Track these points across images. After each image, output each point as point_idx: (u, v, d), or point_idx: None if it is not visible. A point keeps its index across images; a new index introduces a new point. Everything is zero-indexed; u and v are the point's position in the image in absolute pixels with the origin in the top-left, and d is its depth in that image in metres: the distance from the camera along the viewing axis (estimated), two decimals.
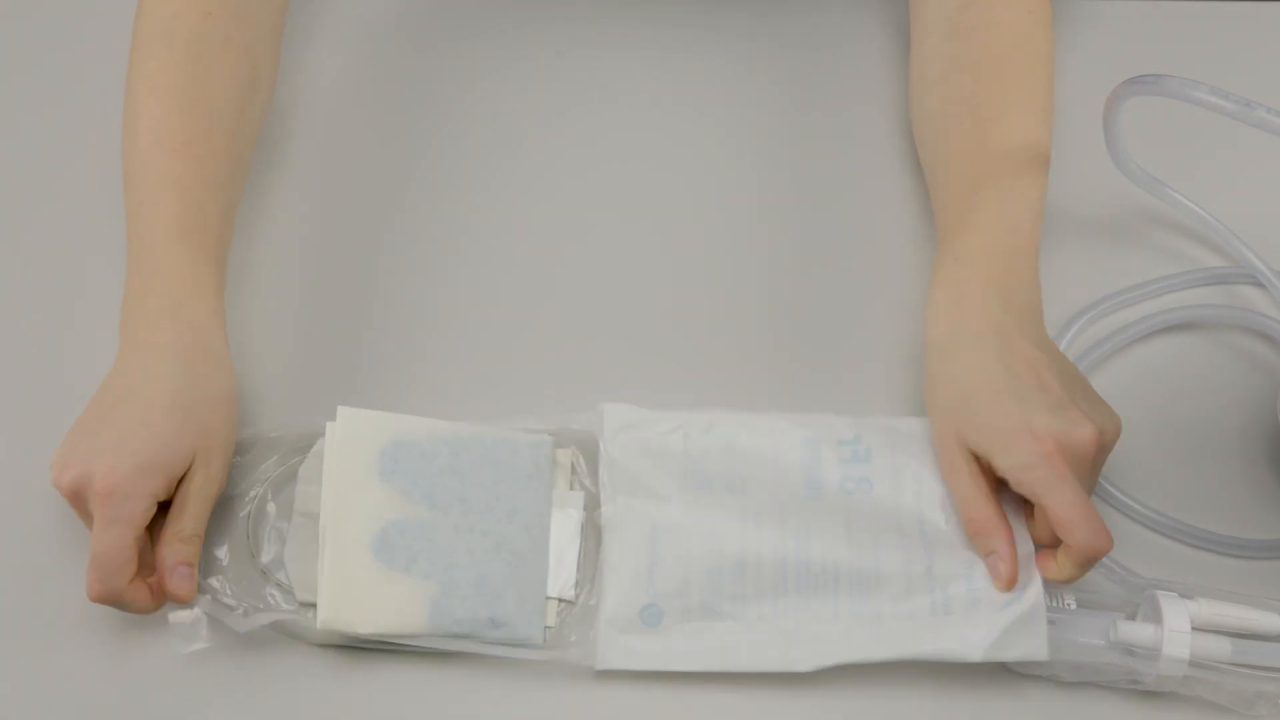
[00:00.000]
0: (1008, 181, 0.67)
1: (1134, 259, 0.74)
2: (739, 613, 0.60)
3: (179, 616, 0.58)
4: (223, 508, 0.62)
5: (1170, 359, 0.71)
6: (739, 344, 0.71)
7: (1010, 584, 0.59)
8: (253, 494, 0.63)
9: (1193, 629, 0.57)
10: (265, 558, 0.62)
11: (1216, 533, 0.64)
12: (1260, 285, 0.72)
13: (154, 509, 0.58)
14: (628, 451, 0.63)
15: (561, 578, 0.62)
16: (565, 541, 0.62)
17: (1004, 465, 0.58)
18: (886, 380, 0.69)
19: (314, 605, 0.59)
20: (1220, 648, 0.57)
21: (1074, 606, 0.59)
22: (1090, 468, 0.59)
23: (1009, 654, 0.58)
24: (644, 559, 0.61)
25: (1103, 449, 0.59)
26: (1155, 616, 0.58)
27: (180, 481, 0.59)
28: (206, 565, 0.61)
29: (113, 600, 0.58)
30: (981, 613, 0.58)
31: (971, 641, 0.58)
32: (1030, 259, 0.65)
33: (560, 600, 0.61)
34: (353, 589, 0.58)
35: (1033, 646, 0.57)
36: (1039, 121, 0.69)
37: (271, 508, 0.63)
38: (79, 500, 0.58)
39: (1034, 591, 0.58)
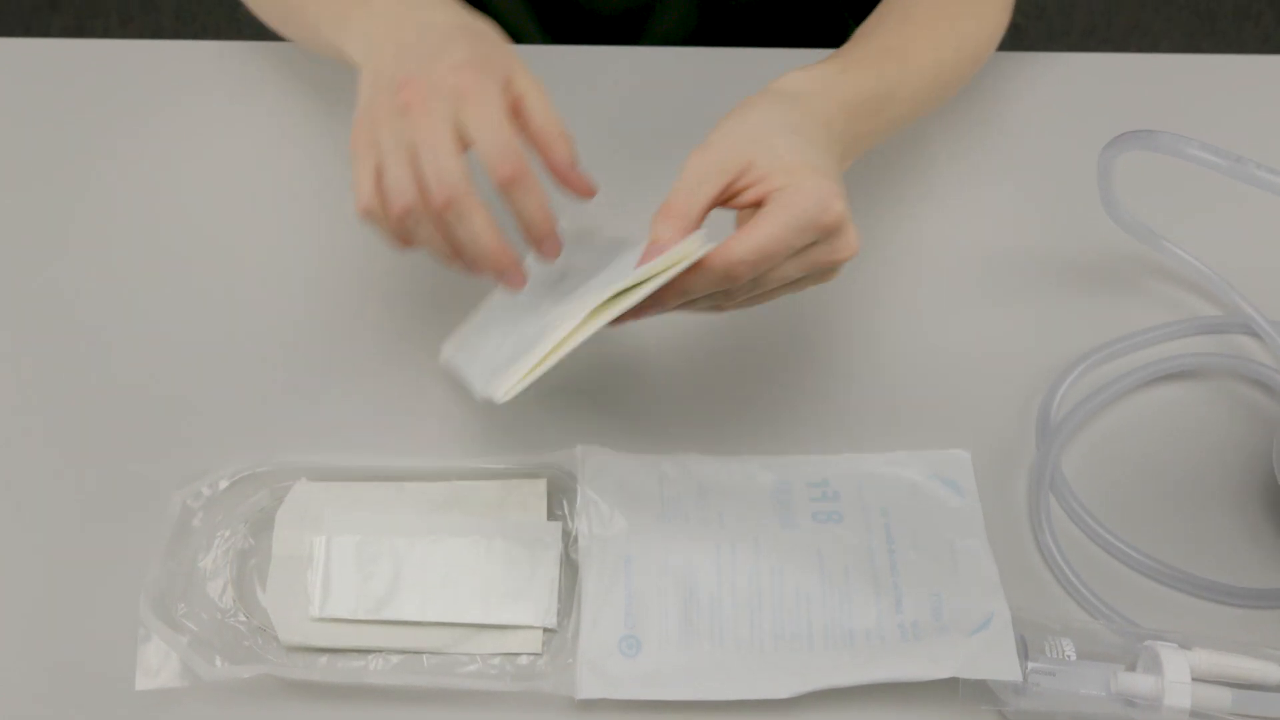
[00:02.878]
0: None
1: (1130, 308, 0.75)
2: (717, 641, 0.61)
3: (147, 652, 0.59)
4: (200, 550, 0.63)
5: (1167, 407, 0.71)
6: (711, 387, 0.71)
7: (659, 242, 0.56)
8: (231, 535, 0.64)
9: (1193, 679, 0.57)
10: (245, 600, 0.62)
11: (1214, 581, 0.65)
12: (1255, 334, 0.73)
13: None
14: (605, 489, 0.65)
15: (543, 606, 0.62)
16: (545, 571, 0.63)
17: (777, 180, 0.56)
18: (855, 415, 0.70)
19: (299, 649, 0.61)
20: (1220, 698, 0.57)
21: (1074, 657, 0.59)
22: (804, 235, 0.56)
23: (980, 674, 0.59)
24: (621, 589, 0.62)
25: (829, 248, 0.57)
26: (1155, 667, 0.58)
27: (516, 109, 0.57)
28: (193, 603, 0.62)
29: (523, 176, 0.55)
30: (951, 637, 0.60)
31: (943, 662, 0.59)
32: (859, 117, 0.64)
33: (544, 630, 0.62)
34: None
35: (1003, 668, 0.58)
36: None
37: (251, 546, 0.64)
38: (429, 103, 0.55)
39: (1002, 616, 0.60)
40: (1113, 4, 1.94)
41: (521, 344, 0.60)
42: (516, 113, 0.58)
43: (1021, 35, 1.91)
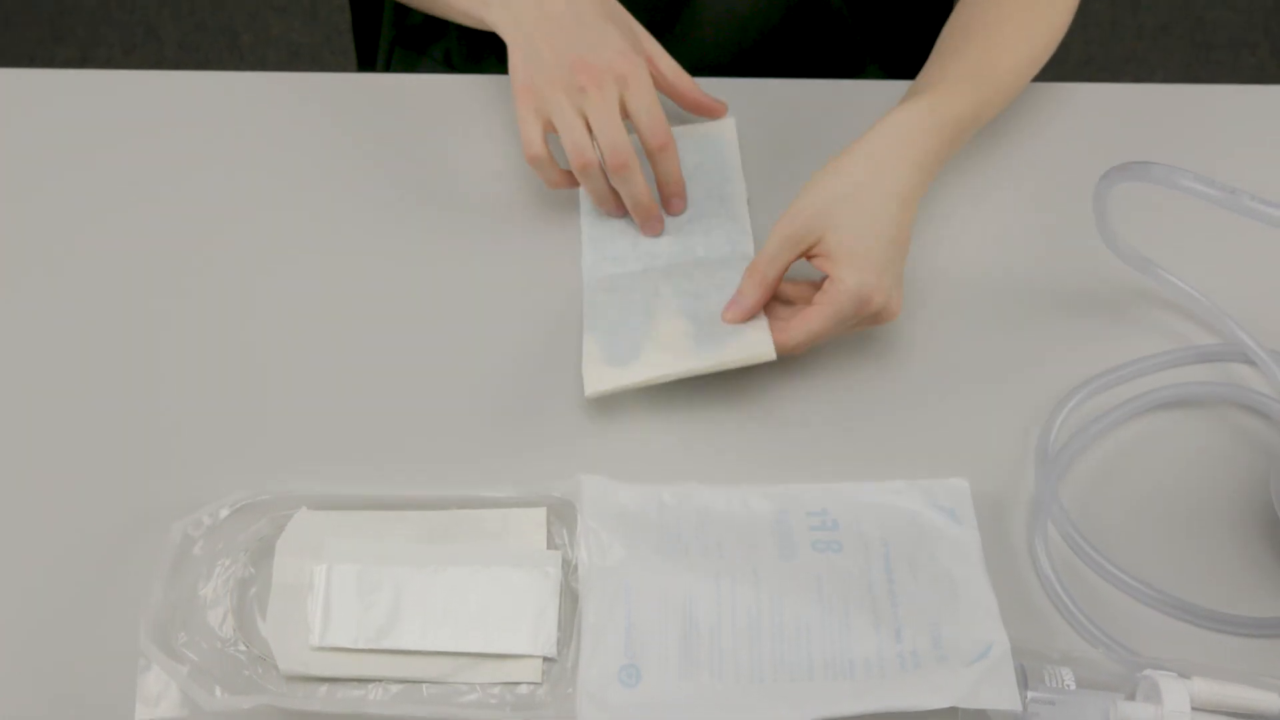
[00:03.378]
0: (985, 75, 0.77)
1: (1127, 337, 0.75)
2: (716, 671, 0.61)
3: (147, 682, 0.60)
4: (200, 578, 0.64)
5: (1165, 436, 0.72)
6: (710, 416, 0.72)
7: (737, 314, 0.71)
8: (232, 564, 0.64)
9: (1192, 709, 0.57)
10: (246, 629, 0.62)
11: (1213, 609, 0.65)
12: (1252, 362, 0.73)
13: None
14: (604, 518, 0.65)
15: (543, 635, 0.62)
16: (544, 600, 0.63)
17: (831, 266, 0.69)
18: (854, 445, 0.70)
19: (299, 678, 0.61)
20: None
21: (1073, 687, 0.59)
22: (847, 322, 0.70)
23: (980, 703, 0.59)
24: (621, 619, 0.62)
25: (871, 320, 0.71)
26: (1155, 697, 0.58)
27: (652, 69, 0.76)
28: (193, 632, 0.62)
29: (668, 145, 0.74)
30: (950, 666, 0.60)
31: (943, 691, 0.59)
32: (957, 143, 0.75)
33: (543, 659, 0.62)
34: None
35: (1003, 697, 0.58)
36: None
37: (252, 575, 0.64)
38: (602, 81, 0.72)
39: (1001, 646, 0.60)
40: (1109, 33, 1.96)
41: (628, 325, 0.72)
42: (650, 66, 0.76)
43: None
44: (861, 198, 0.70)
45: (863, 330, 0.73)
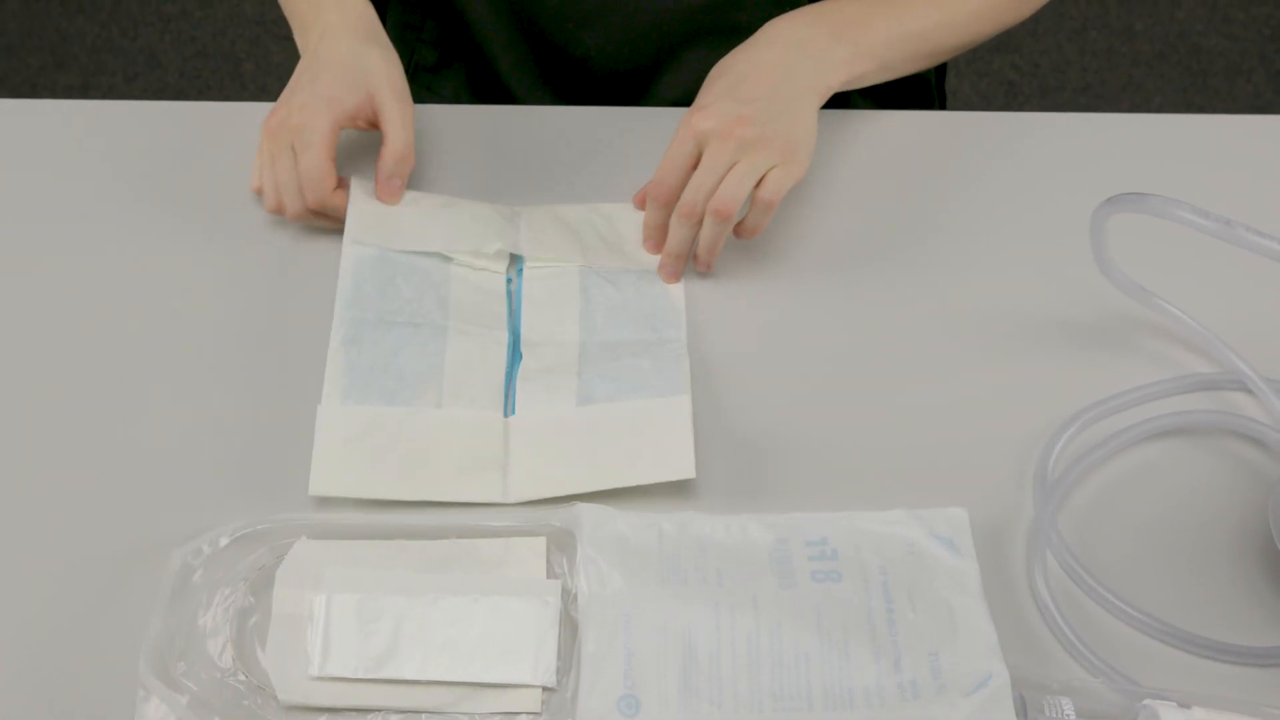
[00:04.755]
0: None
1: (1125, 365, 0.75)
2: (715, 701, 0.61)
3: (146, 712, 0.59)
4: (200, 607, 0.63)
5: (1162, 464, 0.72)
6: (708, 445, 0.71)
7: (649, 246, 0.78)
8: (232, 593, 0.64)
9: None
10: (245, 658, 0.62)
11: (1213, 638, 0.65)
12: (1250, 391, 0.74)
13: (337, 133, 0.76)
14: (604, 547, 0.65)
15: (543, 665, 0.62)
16: (544, 630, 0.63)
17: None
18: (853, 474, 0.71)
19: (298, 708, 0.60)
20: None
21: (1073, 716, 0.59)
22: (691, 157, 0.74)
23: None
24: (620, 649, 0.62)
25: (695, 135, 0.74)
26: None
27: (378, 121, 0.78)
28: (192, 661, 0.62)
29: (321, 207, 0.76)
30: (949, 697, 0.60)
31: None
32: (868, 45, 0.79)
33: (543, 689, 0.62)
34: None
35: None
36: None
37: (251, 604, 0.64)
38: (279, 136, 0.76)
39: (1000, 676, 0.60)
40: (1106, 61, 1.97)
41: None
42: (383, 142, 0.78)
43: (1015, 91, 1.93)
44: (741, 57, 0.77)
45: (772, 182, 0.74)
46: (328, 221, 0.78)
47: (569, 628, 0.64)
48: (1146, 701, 0.59)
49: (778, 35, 0.78)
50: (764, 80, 0.75)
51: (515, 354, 0.74)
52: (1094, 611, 0.66)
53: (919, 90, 0.99)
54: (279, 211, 0.78)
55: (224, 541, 0.65)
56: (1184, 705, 0.59)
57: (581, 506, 0.67)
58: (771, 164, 0.74)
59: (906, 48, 0.81)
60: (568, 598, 0.65)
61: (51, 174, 0.84)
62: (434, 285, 0.75)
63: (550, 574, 0.66)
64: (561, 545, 0.66)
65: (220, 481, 0.69)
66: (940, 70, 1.01)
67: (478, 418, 0.70)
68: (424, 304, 0.74)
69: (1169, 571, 0.68)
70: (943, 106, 1.04)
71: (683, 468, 0.68)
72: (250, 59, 1.89)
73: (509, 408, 0.71)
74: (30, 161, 0.84)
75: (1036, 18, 2.02)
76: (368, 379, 0.71)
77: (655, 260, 0.78)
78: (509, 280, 0.77)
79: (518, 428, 0.70)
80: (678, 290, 0.77)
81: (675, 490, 0.69)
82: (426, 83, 0.98)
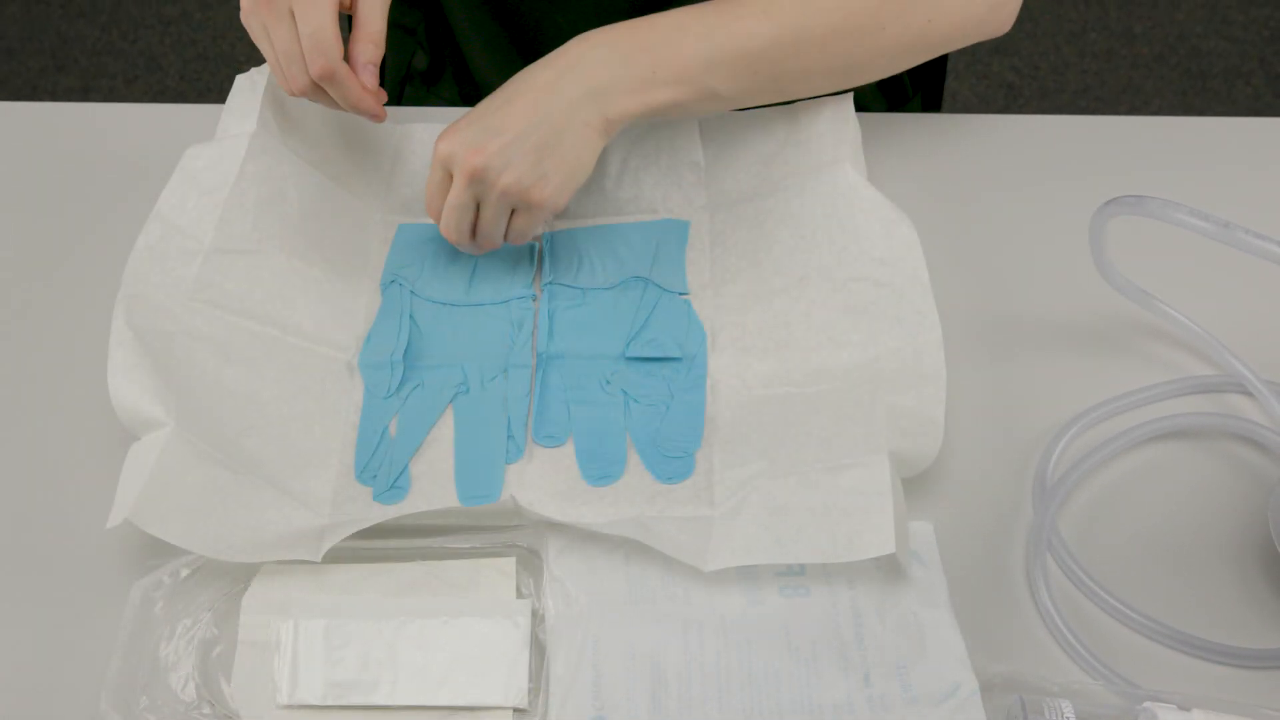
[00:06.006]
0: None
1: (1124, 368, 0.75)
2: None
3: None
4: (162, 639, 0.61)
5: (1162, 467, 0.72)
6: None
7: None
8: (194, 624, 0.63)
9: None
10: (211, 689, 0.61)
11: (1213, 641, 0.65)
12: (1249, 394, 0.74)
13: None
14: (570, 567, 0.65)
15: (514, 687, 0.61)
16: (515, 651, 0.62)
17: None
18: None
19: None
20: None
21: (1073, 719, 0.59)
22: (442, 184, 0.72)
23: None
24: (589, 669, 0.61)
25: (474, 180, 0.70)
26: None
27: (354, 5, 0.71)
28: (154, 695, 0.60)
29: (330, 76, 0.69)
30: (919, 709, 0.60)
31: None
32: (652, 66, 0.72)
33: (514, 710, 0.61)
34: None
35: None
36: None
37: (215, 635, 0.62)
38: (273, 2, 0.69)
39: (969, 685, 0.60)
40: (1105, 64, 1.97)
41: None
42: (354, 22, 0.72)
43: (1015, 94, 1.94)
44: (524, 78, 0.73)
45: (515, 228, 0.73)
46: (326, 100, 0.73)
47: (537, 649, 0.63)
48: (1146, 704, 0.59)
49: (565, 56, 0.72)
50: (529, 109, 0.70)
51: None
52: (1094, 614, 0.66)
53: (927, 92, 0.99)
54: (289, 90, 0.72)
55: (185, 573, 0.63)
56: (1184, 708, 0.59)
57: (547, 527, 0.66)
58: (511, 205, 0.72)
59: (735, 72, 0.73)
60: (535, 618, 0.64)
61: (52, 177, 0.84)
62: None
63: (518, 595, 0.65)
64: (528, 566, 0.65)
65: None
66: (940, 72, 1.01)
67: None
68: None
69: (1169, 574, 0.68)
70: (938, 109, 1.04)
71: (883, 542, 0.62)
72: (250, 62, 1.90)
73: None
74: (31, 164, 0.85)
75: (1036, 20, 2.03)
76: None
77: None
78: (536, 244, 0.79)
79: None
80: None
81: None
82: (421, 97, 0.98)
